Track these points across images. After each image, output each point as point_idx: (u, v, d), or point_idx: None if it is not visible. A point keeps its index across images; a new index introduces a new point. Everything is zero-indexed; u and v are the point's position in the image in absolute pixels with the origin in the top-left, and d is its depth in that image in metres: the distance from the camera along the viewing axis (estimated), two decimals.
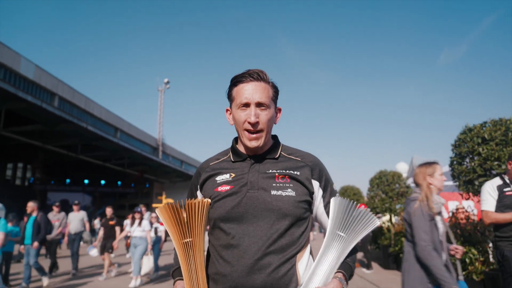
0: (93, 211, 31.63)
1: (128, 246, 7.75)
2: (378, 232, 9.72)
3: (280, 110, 1.44)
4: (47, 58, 75.82)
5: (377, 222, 1.30)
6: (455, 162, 5.11)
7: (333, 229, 1.27)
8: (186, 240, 1.24)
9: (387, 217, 9.70)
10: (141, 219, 7.60)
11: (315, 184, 1.34)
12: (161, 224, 8.40)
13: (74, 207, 9.55)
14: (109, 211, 8.81)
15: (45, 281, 6.98)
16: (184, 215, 1.24)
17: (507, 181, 3.35)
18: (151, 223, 8.34)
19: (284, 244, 1.22)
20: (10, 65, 21.16)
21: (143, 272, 7.40)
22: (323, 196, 1.36)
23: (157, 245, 8.25)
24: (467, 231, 5.28)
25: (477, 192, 4.77)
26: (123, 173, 31.51)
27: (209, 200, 1.30)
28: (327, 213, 1.34)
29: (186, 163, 44.26)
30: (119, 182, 33.55)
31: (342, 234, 1.26)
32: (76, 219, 9.26)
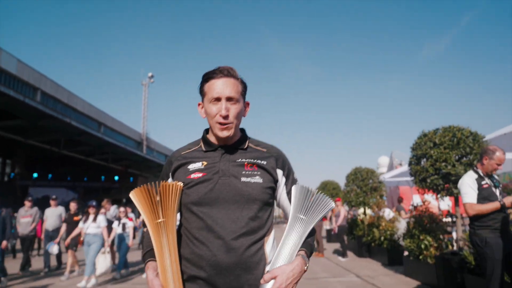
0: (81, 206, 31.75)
1: (81, 244, 6.97)
2: (353, 224, 10.66)
3: (248, 104, 1.56)
4: (29, 53, 74.00)
5: (332, 204, 1.46)
6: (412, 163, 6.00)
7: (295, 213, 1.42)
8: (159, 220, 1.34)
9: (361, 209, 10.65)
10: (96, 214, 7.04)
11: (279, 172, 1.49)
12: (130, 219, 8.18)
13: (52, 202, 9.09)
14: (73, 206, 8.29)
15: (3, 282, 6.71)
16: (157, 198, 1.35)
17: (481, 174, 3.66)
18: (119, 218, 8.03)
19: (254, 227, 1.36)
20: None
21: (98, 272, 6.77)
22: (286, 184, 1.51)
23: (124, 242, 7.82)
24: (423, 222, 6.20)
25: (429, 188, 5.66)
26: (107, 168, 31.67)
27: (182, 184, 1.41)
28: (289, 199, 1.49)
29: None
30: (102, 177, 33.68)
31: (302, 217, 1.41)
32: (53, 215, 8.81)
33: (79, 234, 7.47)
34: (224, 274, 1.30)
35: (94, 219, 6.93)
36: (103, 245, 6.90)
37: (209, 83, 1.44)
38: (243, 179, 1.40)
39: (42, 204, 24.89)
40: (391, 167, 18.18)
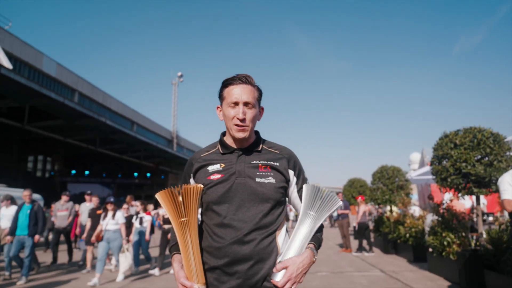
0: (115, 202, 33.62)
1: (99, 240, 6.92)
2: (379, 221, 10.91)
3: (263, 109, 1.70)
4: (66, 55, 78.99)
5: (340, 203, 1.58)
6: (434, 162, 6.25)
7: (305, 209, 1.55)
8: (182, 219, 1.47)
9: (388, 207, 10.87)
10: (115, 210, 7.00)
11: (291, 172, 1.62)
12: (148, 213, 8.31)
13: (86, 197, 9.28)
14: (94, 200, 8.34)
15: (22, 280, 6.56)
16: (180, 198, 1.47)
17: None
18: (138, 213, 8.14)
19: (267, 222, 1.50)
20: (33, 63, 22.68)
21: (121, 271, 6.90)
22: (297, 183, 1.64)
23: (143, 236, 7.97)
24: (446, 219, 6.44)
25: (450, 187, 5.91)
26: (139, 165, 33.15)
27: (202, 186, 1.54)
28: (300, 197, 1.62)
29: None
30: (135, 174, 35.33)
31: (312, 213, 1.54)
32: (87, 210, 8.77)
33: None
34: (239, 264, 1.44)
35: (113, 216, 6.90)
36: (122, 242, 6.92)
37: (228, 89, 1.57)
38: (258, 179, 1.52)
39: (79, 199, 26.61)
40: (422, 163, 18.07)
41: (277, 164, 1.58)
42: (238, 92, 1.53)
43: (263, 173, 1.54)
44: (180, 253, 1.52)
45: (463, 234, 6.35)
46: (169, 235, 7.09)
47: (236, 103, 1.53)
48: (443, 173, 5.89)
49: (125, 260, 6.89)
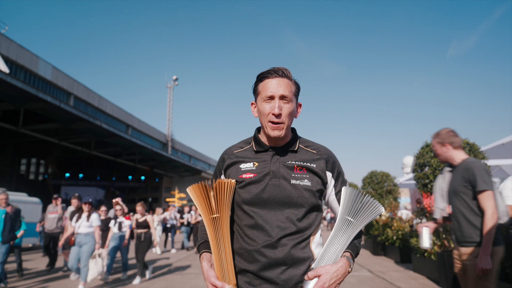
0: (107, 205, 33.93)
1: (71, 244, 6.40)
2: (369, 224, 11.49)
3: (300, 105, 1.61)
4: (61, 58, 79.80)
5: (382, 210, 1.48)
6: (416, 170, 6.83)
7: (343, 215, 1.46)
8: (214, 216, 1.41)
9: None
10: (90, 212, 6.47)
11: (329, 175, 1.53)
12: (127, 218, 7.84)
13: (72, 201, 8.17)
14: (74, 202, 7.78)
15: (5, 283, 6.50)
16: (211, 194, 1.41)
17: None
18: (116, 217, 7.64)
19: (301, 227, 1.43)
20: (29, 67, 23.01)
21: (89, 278, 6.25)
22: (335, 186, 1.55)
23: (121, 242, 7.49)
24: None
25: (431, 192, 6.49)
26: (133, 168, 33.50)
27: (235, 181, 1.48)
28: (338, 200, 1.53)
29: (194, 158, 46.36)
30: (130, 177, 35.67)
31: (351, 219, 1.44)
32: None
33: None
34: (272, 269, 1.37)
35: (88, 218, 6.38)
36: (95, 247, 6.41)
37: (263, 83, 1.49)
38: (293, 181, 1.44)
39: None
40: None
41: (314, 165, 1.51)
42: (274, 85, 1.46)
43: (299, 175, 1.47)
44: (209, 252, 1.48)
45: (444, 236, 6.93)
46: (155, 242, 6.91)
47: (272, 97, 1.46)
48: (424, 179, 6.47)
49: (95, 266, 6.34)
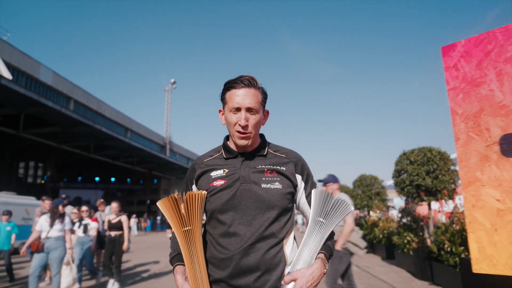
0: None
1: (40, 250, 5.62)
2: (357, 223, 12.48)
3: (267, 113, 1.64)
4: (60, 62, 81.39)
5: (351, 208, 1.53)
6: (395, 175, 7.84)
7: (314, 217, 1.49)
8: (186, 228, 1.43)
9: (365, 212, 12.45)
10: (63, 215, 5.96)
11: (298, 177, 1.56)
12: (94, 220, 7.24)
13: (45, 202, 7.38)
14: (47, 203, 6.75)
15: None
16: (182, 206, 1.44)
17: None
18: (81, 219, 7.12)
19: (274, 231, 1.45)
20: (31, 73, 23.87)
21: (64, 286, 5.93)
22: (305, 188, 1.58)
23: (87, 247, 6.91)
24: (408, 222, 8.02)
25: (407, 196, 7.50)
26: (132, 171, 34.36)
27: (205, 192, 1.50)
28: (309, 202, 1.56)
29: (192, 160, 47.27)
30: (128, 179, 36.54)
31: (322, 220, 1.48)
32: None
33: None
34: (245, 276, 1.39)
35: (61, 220, 5.87)
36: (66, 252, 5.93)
37: (230, 92, 1.51)
38: (263, 185, 1.47)
39: (73, 205, 27.64)
40: None
41: (284, 168, 1.54)
42: (241, 96, 1.48)
43: (269, 178, 1.50)
44: (182, 264, 1.50)
45: (421, 233, 7.94)
46: (125, 246, 6.68)
47: (238, 109, 1.49)
48: (401, 184, 7.48)
49: (70, 273, 5.99)
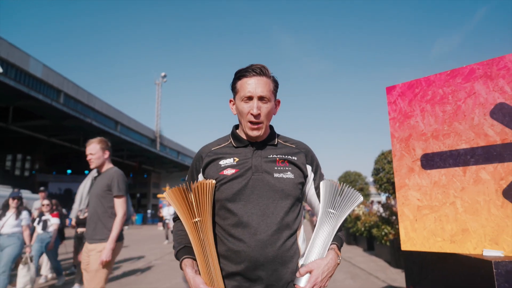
0: None
1: None
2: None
3: (279, 102, 1.62)
4: (51, 55, 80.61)
5: (361, 198, 1.55)
6: (374, 174, 8.60)
7: (325, 208, 1.49)
8: (195, 220, 1.40)
9: None
10: (19, 209, 5.57)
11: (308, 168, 1.57)
12: (54, 215, 6.68)
13: (40, 194, 7.78)
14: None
15: None
16: (192, 196, 1.41)
17: None
18: (41, 214, 6.63)
19: (289, 221, 1.44)
20: (20, 65, 23.93)
21: (19, 286, 5.38)
22: (314, 179, 1.59)
23: (46, 244, 6.41)
24: (386, 215, 8.79)
25: (384, 192, 8.27)
26: (122, 164, 34.66)
27: (214, 181, 1.47)
28: (317, 194, 1.57)
29: (182, 154, 47.69)
30: None
31: (333, 211, 1.48)
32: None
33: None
34: (262, 269, 1.37)
35: (16, 216, 5.49)
36: (21, 250, 5.49)
37: (241, 81, 1.50)
38: (276, 175, 1.47)
39: (64, 198, 27.91)
40: None
41: (295, 158, 1.55)
42: (253, 85, 1.47)
43: (281, 168, 1.50)
44: (191, 258, 1.46)
45: (397, 226, 8.72)
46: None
47: (250, 98, 1.48)
48: (379, 181, 8.24)
49: (27, 273, 5.52)
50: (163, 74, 39.10)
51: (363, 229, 11.03)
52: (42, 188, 8.00)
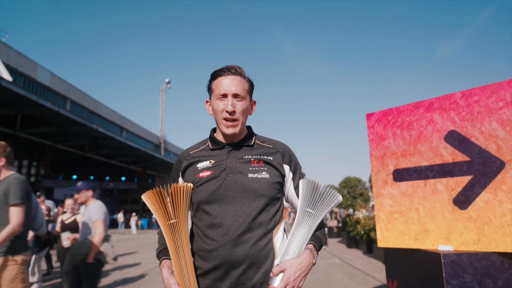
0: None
1: None
2: (344, 222, 13.80)
3: (255, 102, 1.66)
4: (57, 61, 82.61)
5: (339, 198, 1.53)
6: (370, 180, 9.10)
7: (302, 207, 1.50)
8: (171, 221, 1.43)
9: (350, 210, 13.75)
10: None
11: (286, 167, 1.58)
12: None
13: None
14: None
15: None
16: (168, 199, 1.44)
17: None
18: None
19: (261, 221, 1.46)
20: (28, 73, 24.70)
21: None
22: (293, 179, 1.60)
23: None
24: None
25: None
26: (126, 169, 35.31)
27: (191, 185, 1.51)
28: (297, 193, 1.58)
29: None
30: (123, 178, 37.48)
31: (311, 210, 1.49)
32: None
33: None
34: (233, 268, 1.40)
35: None
36: None
37: (216, 81, 1.55)
38: (250, 175, 1.50)
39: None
40: None
41: (271, 158, 1.56)
42: (227, 83, 1.52)
43: (256, 168, 1.52)
44: (168, 259, 1.50)
45: None
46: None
47: (225, 95, 1.52)
48: None
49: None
50: (167, 80, 39.93)
51: (362, 232, 11.53)
52: (38, 194, 7.90)
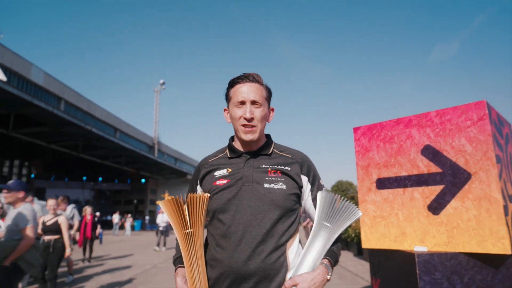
0: (95, 206, 35.75)
1: None
2: None
3: (273, 109, 1.66)
4: (51, 63, 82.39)
5: (359, 213, 1.52)
6: None
7: (320, 220, 1.46)
8: (187, 231, 1.44)
9: None
10: None
11: (304, 179, 1.56)
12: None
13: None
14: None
15: None
16: (185, 208, 1.44)
17: None
18: None
19: (275, 233, 1.43)
20: (23, 73, 24.73)
21: None
22: (311, 190, 1.57)
23: None
24: None
25: None
26: (120, 170, 35.36)
27: (208, 195, 1.51)
28: (315, 205, 1.54)
29: (180, 160, 48.43)
30: (116, 180, 37.55)
31: (328, 224, 1.45)
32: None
33: None
34: (244, 281, 1.38)
35: None
36: None
37: (234, 88, 1.56)
38: (266, 185, 1.47)
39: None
40: None
41: (289, 168, 1.55)
42: (245, 90, 1.52)
43: (273, 178, 1.50)
44: (183, 267, 1.50)
45: None
46: (67, 252, 6.01)
47: (243, 102, 1.52)
48: None
49: None
50: (161, 81, 40.12)
51: (353, 235, 11.89)
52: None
